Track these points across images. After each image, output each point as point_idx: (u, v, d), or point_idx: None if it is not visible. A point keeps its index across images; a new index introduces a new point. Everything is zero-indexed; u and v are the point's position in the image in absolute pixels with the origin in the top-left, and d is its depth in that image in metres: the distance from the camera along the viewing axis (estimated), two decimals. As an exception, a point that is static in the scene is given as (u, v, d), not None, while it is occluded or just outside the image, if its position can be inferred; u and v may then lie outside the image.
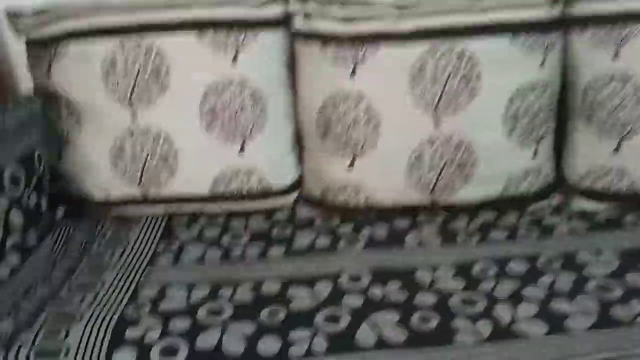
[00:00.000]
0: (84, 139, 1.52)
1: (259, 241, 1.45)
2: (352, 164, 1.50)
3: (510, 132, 1.47)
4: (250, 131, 1.50)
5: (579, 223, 1.47)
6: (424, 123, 1.45)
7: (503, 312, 1.16)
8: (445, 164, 1.47)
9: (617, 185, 1.49)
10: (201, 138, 1.49)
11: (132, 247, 1.45)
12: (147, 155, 1.48)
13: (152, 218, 1.57)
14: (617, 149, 1.47)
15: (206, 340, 1.13)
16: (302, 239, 1.45)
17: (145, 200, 1.54)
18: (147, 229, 1.53)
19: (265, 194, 1.55)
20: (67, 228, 1.51)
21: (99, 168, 1.52)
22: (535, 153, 1.51)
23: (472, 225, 1.48)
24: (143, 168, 1.50)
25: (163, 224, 1.55)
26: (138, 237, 1.49)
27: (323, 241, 1.44)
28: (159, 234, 1.50)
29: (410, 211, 1.53)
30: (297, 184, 1.60)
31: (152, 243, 1.47)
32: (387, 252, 1.39)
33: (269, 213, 1.59)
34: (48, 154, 1.51)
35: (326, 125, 1.49)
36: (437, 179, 1.48)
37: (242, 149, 1.51)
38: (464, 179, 1.49)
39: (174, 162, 1.49)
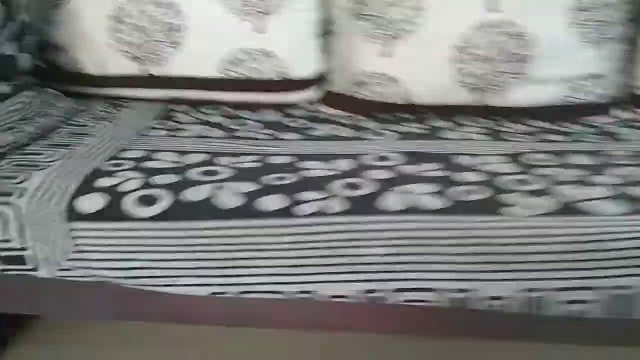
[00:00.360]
0: (78, 2, 1.31)
1: (270, 129, 1.22)
2: (387, 52, 1.27)
3: (576, 26, 1.23)
4: (271, 8, 1.29)
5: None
6: (474, 5, 1.23)
7: (567, 192, 0.92)
8: (497, 56, 1.24)
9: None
10: (214, 10, 1.28)
11: (123, 122, 1.23)
12: (149, 24, 1.27)
13: (151, 103, 1.35)
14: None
15: (194, 194, 0.90)
16: (322, 129, 1.23)
17: (144, 80, 1.33)
18: (143, 110, 1.31)
19: (283, 84, 1.32)
20: (52, 95, 1.30)
21: (95, 38, 1.31)
22: (603, 56, 1.28)
23: (524, 130, 1.24)
24: (144, 40, 1.29)
25: (162, 107, 1.33)
26: (131, 116, 1.27)
27: (347, 132, 1.21)
28: (155, 115, 1.29)
29: (453, 112, 1.30)
30: (321, 78, 1.37)
31: (145, 120, 1.25)
32: (422, 141, 1.16)
33: (286, 108, 1.36)
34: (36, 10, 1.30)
35: (361, 1, 1.27)
36: (487, 75, 1.25)
37: (259, 28, 1.29)
38: (518, 77, 1.25)
39: (179, 36, 1.28)
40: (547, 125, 1.27)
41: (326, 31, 1.36)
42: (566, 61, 1.27)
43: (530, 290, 0.86)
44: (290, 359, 1.30)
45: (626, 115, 1.32)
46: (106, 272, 0.90)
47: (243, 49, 1.29)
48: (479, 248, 0.84)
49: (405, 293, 0.88)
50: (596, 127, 1.26)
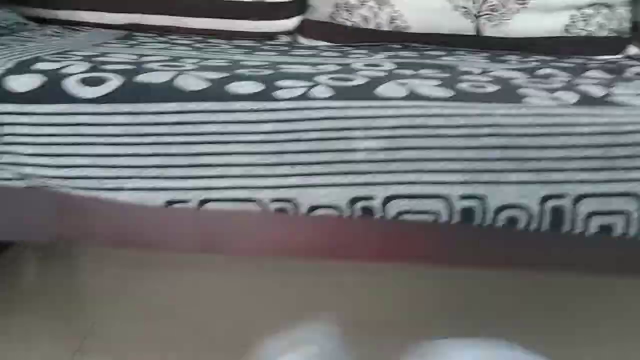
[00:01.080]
0: None
1: (244, 49, 1.07)
2: (375, -30, 1.14)
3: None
4: None
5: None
6: None
7: (593, 90, 0.78)
8: (497, -25, 1.11)
9: None
10: None
11: (77, 39, 1.07)
12: None
13: (111, 29, 1.19)
14: None
15: (151, 77, 0.74)
16: (304, 51, 1.08)
17: (100, 1, 1.17)
18: (101, 33, 1.15)
19: (259, 9, 1.18)
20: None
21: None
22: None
23: (526, 62, 1.11)
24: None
25: (123, 33, 1.17)
26: (86, 36, 1.11)
27: (332, 53, 1.07)
28: (114, 37, 1.12)
29: (448, 42, 1.16)
30: (300, 6, 1.23)
31: (104, 38, 1.09)
32: (417, 59, 1.01)
33: (261, 37, 1.21)
34: None
35: None
36: (485, -2, 1.12)
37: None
38: (519, 1, 1.13)
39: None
40: (550, 58, 1.14)
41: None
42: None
43: (553, 197, 0.71)
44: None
45: (635, 50, 1.20)
46: (39, 170, 0.73)
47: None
48: (494, 140, 0.70)
49: (400, 201, 0.72)
50: (602, 60, 1.13)
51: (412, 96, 0.73)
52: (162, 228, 0.79)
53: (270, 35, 1.23)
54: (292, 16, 1.22)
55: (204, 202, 0.73)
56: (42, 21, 1.20)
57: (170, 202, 0.74)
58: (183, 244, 0.81)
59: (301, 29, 1.23)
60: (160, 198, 0.74)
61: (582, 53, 1.17)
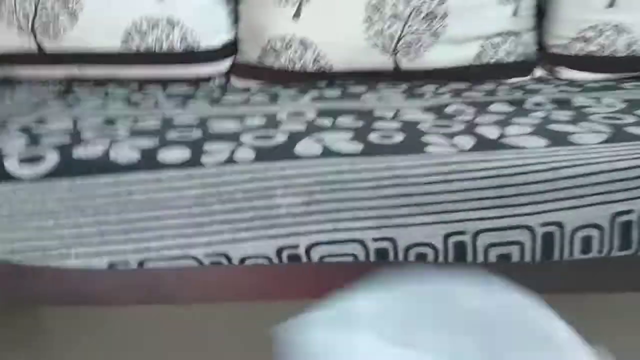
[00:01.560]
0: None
1: (178, 98, 1.14)
2: (297, 13, 1.22)
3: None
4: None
5: (569, 88, 1.22)
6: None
7: (489, 131, 0.88)
8: (411, 13, 1.20)
9: (612, 48, 1.24)
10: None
11: (16, 99, 1.12)
12: (43, -8, 1.18)
13: (49, 82, 1.25)
14: (612, 3, 1.23)
15: (87, 151, 0.81)
16: (234, 98, 1.15)
17: (39, 56, 1.22)
18: (38, 88, 1.20)
19: (191, 55, 1.24)
20: None
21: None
22: (515, 11, 1.26)
23: (443, 90, 1.21)
24: (35, 11, 1.18)
25: (61, 86, 1.23)
26: (23, 94, 1.16)
27: (261, 98, 1.14)
28: (53, 93, 1.18)
29: (369, 77, 1.25)
30: (231, 48, 1.30)
31: (42, 96, 1.14)
32: (339, 102, 1.10)
33: (196, 82, 1.28)
34: None
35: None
36: (401, 34, 1.21)
37: (162, -5, 1.21)
38: (432, 36, 1.22)
39: (76, 6, 1.19)
40: (463, 85, 1.24)
41: (233, -2, 1.29)
42: (481, 19, 1.24)
43: (454, 234, 0.81)
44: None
45: (540, 73, 1.31)
46: (-12, 245, 0.79)
47: (146, 17, 1.21)
48: (398, 189, 0.79)
49: (321, 247, 0.81)
50: (512, 85, 1.23)
51: (326, 153, 0.81)
52: (107, 286, 0.86)
53: (205, 79, 1.30)
54: (224, 60, 1.29)
55: (142, 262, 0.81)
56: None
57: (112, 265, 0.81)
58: (128, 298, 0.88)
59: (233, 71, 1.31)
60: (104, 262, 0.81)
61: (494, 77, 1.28)
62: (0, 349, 1.23)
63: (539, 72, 1.31)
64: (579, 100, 1.06)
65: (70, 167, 0.79)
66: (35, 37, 1.20)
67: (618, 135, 0.86)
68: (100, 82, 1.26)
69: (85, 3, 1.19)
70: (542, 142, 0.84)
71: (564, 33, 1.29)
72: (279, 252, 0.80)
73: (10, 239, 0.79)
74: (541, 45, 1.33)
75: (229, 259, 0.81)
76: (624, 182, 0.80)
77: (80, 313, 1.21)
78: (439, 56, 1.24)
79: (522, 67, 1.30)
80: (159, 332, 1.25)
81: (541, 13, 1.33)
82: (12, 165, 0.78)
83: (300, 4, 1.21)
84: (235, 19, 1.30)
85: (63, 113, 1.01)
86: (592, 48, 1.26)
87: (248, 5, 1.27)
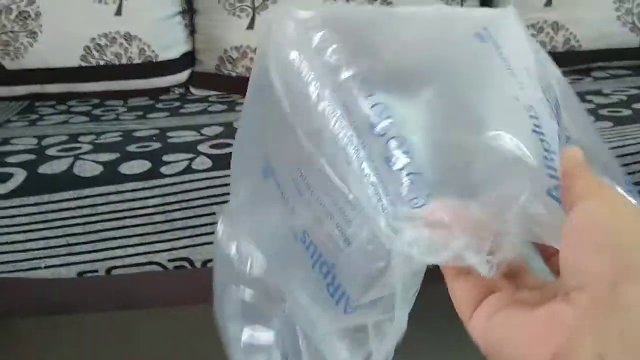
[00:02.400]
0: None
1: (138, 111, 1.18)
2: (251, 25, 1.27)
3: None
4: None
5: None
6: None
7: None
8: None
9: (552, 44, 1.32)
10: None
11: (-21, 119, 1.16)
12: (1, 13, 1.21)
13: (10, 101, 1.28)
14: (549, 2, 1.30)
15: (51, 167, 0.85)
16: (193, 107, 1.20)
17: (1, 75, 1.25)
18: (1, 108, 1.24)
19: (149, 68, 1.29)
20: None
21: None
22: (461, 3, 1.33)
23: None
24: (-4, 31, 1.22)
25: (23, 104, 1.26)
26: (-12, 113, 1.20)
27: (219, 107, 1.19)
28: (15, 111, 1.22)
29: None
30: (189, 60, 1.35)
31: (4, 115, 1.18)
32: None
33: (155, 93, 1.32)
34: None
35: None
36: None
37: (119, 11, 1.25)
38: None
39: (36, 25, 1.22)
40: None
41: (189, 9, 1.34)
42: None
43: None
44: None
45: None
46: (-40, 262, 0.83)
47: (104, 33, 1.25)
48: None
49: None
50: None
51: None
52: (78, 294, 0.90)
53: (165, 89, 1.34)
54: (182, 71, 1.33)
55: (110, 269, 0.85)
56: None
57: (81, 273, 0.85)
58: (98, 305, 0.92)
59: (192, 81, 1.35)
60: (72, 271, 0.85)
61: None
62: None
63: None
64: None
65: (36, 184, 0.83)
66: (-4, 57, 1.23)
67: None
68: (61, 98, 1.29)
69: (44, 22, 1.22)
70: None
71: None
72: (239, 253, 0.85)
73: (-19, 255, 0.83)
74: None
75: (191, 263, 0.85)
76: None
77: (50, 322, 1.25)
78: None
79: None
80: (129, 337, 1.30)
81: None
82: (-22, 184, 0.82)
83: (253, 17, 1.26)
84: (192, 30, 1.34)
85: (27, 131, 1.05)
86: (533, 44, 1.32)
87: (204, 18, 1.32)
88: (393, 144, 0.32)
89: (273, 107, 0.38)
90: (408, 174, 0.32)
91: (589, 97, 1.09)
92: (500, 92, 0.35)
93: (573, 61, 1.34)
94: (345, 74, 0.35)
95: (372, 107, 0.34)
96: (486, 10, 0.44)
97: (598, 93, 1.13)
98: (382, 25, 0.38)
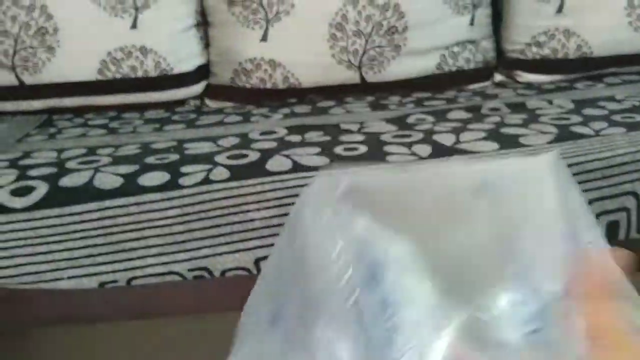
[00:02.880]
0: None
1: (155, 123, 1.20)
2: (265, 37, 1.28)
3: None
4: (144, 2, 1.27)
5: (526, 91, 1.29)
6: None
7: (445, 139, 0.95)
8: (372, 29, 1.27)
9: (564, 51, 1.32)
10: (86, 8, 1.25)
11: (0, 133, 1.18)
12: (20, 29, 1.23)
13: (30, 114, 1.30)
14: (560, 9, 1.31)
15: (72, 180, 0.87)
16: (208, 119, 1.22)
17: (20, 90, 1.28)
18: (21, 122, 1.26)
19: (165, 81, 1.31)
20: None
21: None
22: (472, 20, 1.34)
23: (407, 100, 1.28)
24: (15, 47, 1.24)
25: (42, 118, 1.28)
26: (6, 128, 1.22)
27: (234, 118, 1.21)
28: (35, 125, 1.24)
29: (337, 92, 1.32)
30: (204, 72, 1.36)
31: (24, 129, 1.20)
32: (308, 117, 1.17)
33: (171, 105, 1.34)
34: None
35: (232, -12, 1.28)
36: (365, 50, 1.28)
37: (134, 24, 1.27)
38: (394, 49, 1.29)
39: (53, 41, 1.25)
40: (426, 94, 1.31)
41: (203, 22, 1.36)
42: (438, 30, 1.32)
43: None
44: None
45: (500, 77, 1.39)
46: (-15, 274, 0.85)
47: (120, 47, 1.27)
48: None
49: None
50: (471, 90, 1.31)
51: (296, 168, 0.87)
52: (99, 304, 0.92)
53: (181, 102, 1.36)
54: (197, 83, 1.35)
55: (130, 280, 0.86)
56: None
57: (102, 284, 0.87)
58: (118, 315, 0.93)
59: (207, 93, 1.37)
60: (94, 281, 0.87)
61: (456, 84, 1.35)
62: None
63: (498, 77, 1.38)
64: (533, 103, 1.13)
65: (58, 196, 0.84)
66: (15, 72, 1.26)
67: (564, 134, 0.94)
68: (79, 111, 1.31)
69: (61, 37, 1.25)
70: (494, 145, 0.91)
71: (519, 39, 1.37)
72: (257, 262, 0.86)
73: (5, 265, 0.84)
74: (499, 51, 1.41)
75: (210, 272, 0.87)
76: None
77: (71, 334, 1.26)
78: (401, 68, 1.31)
79: (482, 73, 1.38)
80: (148, 347, 1.31)
81: (499, 20, 1.40)
82: (4, 197, 0.84)
83: (266, 29, 1.27)
84: (207, 44, 1.36)
85: (46, 144, 1.07)
86: (545, 52, 1.33)
87: (218, 31, 1.34)
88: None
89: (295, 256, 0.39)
90: None
91: (601, 104, 1.10)
92: None
93: (585, 68, 1.34)
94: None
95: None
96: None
97: (611, 99, 1.13)
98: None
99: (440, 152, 0.90)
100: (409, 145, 0.93)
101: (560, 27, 1.32)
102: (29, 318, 0.94)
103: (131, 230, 0.84)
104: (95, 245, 0.85)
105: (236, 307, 0.90)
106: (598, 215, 0.86)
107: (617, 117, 1.01)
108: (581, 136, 0.93)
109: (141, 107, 1.32)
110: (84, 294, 0.89)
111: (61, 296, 0.90)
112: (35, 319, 0.94)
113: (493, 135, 0.95)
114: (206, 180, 0.86)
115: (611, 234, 0.88)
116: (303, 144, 0.97)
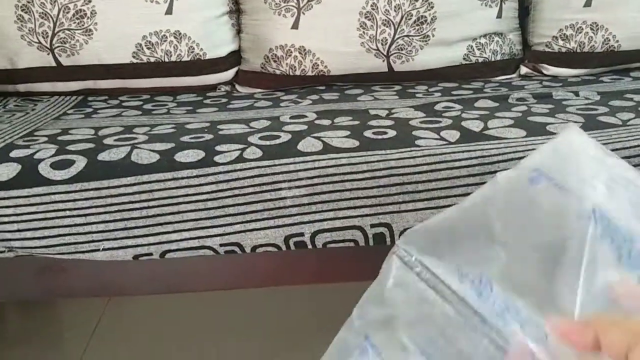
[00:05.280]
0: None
1: (188, 106, 1.23)
2: (296, 25, 1.31)
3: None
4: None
5: (552, 83, 1.31)
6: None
7: (473, 125, 0.97)
8: (401, 19, 1.29)
9: (591, 44, 1.33)
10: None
11: (38, 112, 1.22)
12: (59, 11, 1.27)
13: (66, 95, 1.34)
14: (588, 2, 1.32)
15: (110, 155, 0.90)
16: (240, 103, 1.24)
17: (57, 71, 1.31)
18: (57, 101, 1.30)
19: (198, 65, 1.34)
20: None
21: (2, 28, 1.29)
22: (499, 13, 1.35)
23: (434, 89, 1.30)
24: (54, 29, 1.28)
25: (77, 99, 1.32)
26: (46, 107, 1.26)
27: (265, 103, 1.24)
28: (70, 105, 1.27)
29: (365, 79, 1.34)
30: (235, 58, 1.39)
31: (60, 109, 1.24)
32: (336, 103, 1.19)
33: (203, 90, 1.37)
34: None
35: (265, -25, 1.31)
36: (393, 39, 1.30)
37: (169, 10, 1.31)
38: (422, 39, 1.31)
39: (91, 23, 1.28)
40: (453, 84, 1.33)
41: (236, 9, 1.39)
42: (467, 21, 1.33)
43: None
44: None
45: (525, 70, 1.40)
46: (25, 243, 0.88)
47: (155, 32, 1.30)
48: (391, 179, 0.87)
49: (324, 235, 0.89)
50: (497, 82, 1.32)
51: (326, 149, 0.90)
52: (132, 276, 0.95)
53: (212, 87, 1.39)
54: (229, 69, 1.38)
55: (164, 253, 0.90)
56: (5, 95, 1.34)
57: (137, 256, 0.90)
58: (151, 287, 0.97)
59: (238, 79, 1.40)
60: (129, 254, 0.90)
61: (482, 76, 1.37)
62: (25, 342, 1.32)
63: (524, 70, 1.40)
64: (559, 94, 1.15)
65: (96, 170, 0.88)
66: (53, 54, 1.30)
67: (591, 123, 0.95)
68: (113, 93, 1.35)
69: (99, 20, 1.28)
70: (521, 132, 0.93)
71: (546, 32, 1.38)
72: (287, 240, 0.89)
73: (45, 235, 0.88)
74: (526, 44, 1.42)
75: (241, 248, 0.89)
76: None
77: (102, 305, 1.31)
78: (429, 58, 1.33)
79: (508, 65, 1.39)
80: (180, 320, 1.34)
81: (525, 13, 1.41)
82: (45, 170, 0.87)
83: (298, 17, 1.30)
84: (239, 30, 1.39)
85: (83, 123, 1.10)
86: (572, 45, 1.34)
87: (250, 18, 1.36)
88: None
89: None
90: None
91: (629, 96, 1.11)
92: None
93: (612, 61, 1.35)
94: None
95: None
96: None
97: (638, 92, 1.14)
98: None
99: (469, 137, 0.92)
100: (438, 130, 0.95)
101: (587, 20, 1.33)
102: (63, 289, 0.98)
103: (167, 205, 0.87)
104: (131, 219, 0.88)
105: (264, 283, 0.93)
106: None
107: (644, 109, 1.02)
108: (609, 125, 0.94)
109: (174, 91, 1.36)
110: (119, 265, 0.92)
111: (95, 268, 0.93)
112: (70, 289, 0.98)
113: (520, 123, 0.97)
114: (240, 159, 0.88)
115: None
116: (333, 127, 0.99)
